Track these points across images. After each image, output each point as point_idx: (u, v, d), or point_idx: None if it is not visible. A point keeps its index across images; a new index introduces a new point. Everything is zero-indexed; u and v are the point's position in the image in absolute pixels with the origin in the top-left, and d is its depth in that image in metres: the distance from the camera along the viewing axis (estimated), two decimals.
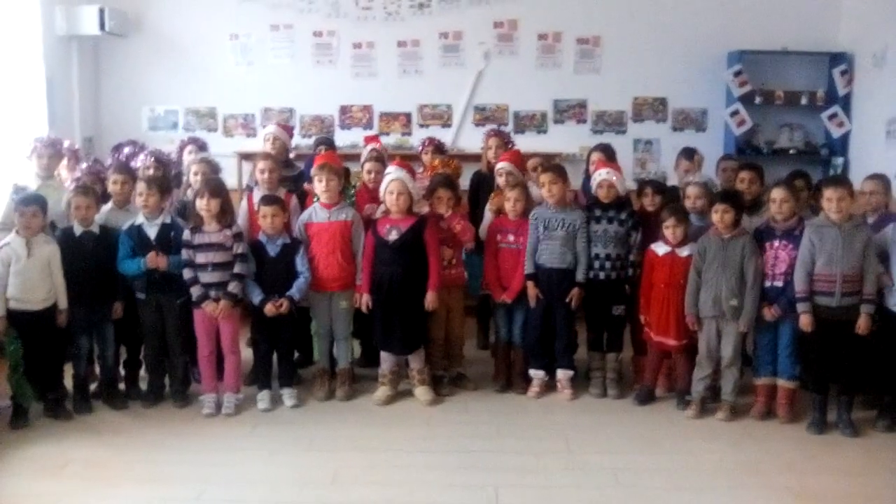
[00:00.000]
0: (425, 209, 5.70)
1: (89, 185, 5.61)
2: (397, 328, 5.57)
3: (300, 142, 8.16)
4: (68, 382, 5.53)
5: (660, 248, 5.52)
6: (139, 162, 6.09)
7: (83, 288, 5.34)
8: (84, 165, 6.07)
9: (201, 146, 6.68)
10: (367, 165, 6.20)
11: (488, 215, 6.02)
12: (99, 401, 5.57)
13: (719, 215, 5.28)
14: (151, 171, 5.86)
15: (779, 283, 5.24)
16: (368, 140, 6.98)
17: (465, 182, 6.70)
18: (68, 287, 5.31)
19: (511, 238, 5.77)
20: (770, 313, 5.24)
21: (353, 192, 6.21)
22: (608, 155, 6.31)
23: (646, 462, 4.72)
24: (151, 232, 5.44)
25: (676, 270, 5.44)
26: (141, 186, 5.47)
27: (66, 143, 6.23)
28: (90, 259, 5.37)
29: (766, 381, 5.37)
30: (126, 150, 6.45)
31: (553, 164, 6.12)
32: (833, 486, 4.43)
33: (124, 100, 8.38)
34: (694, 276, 5.36)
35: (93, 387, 5.68)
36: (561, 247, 5.61)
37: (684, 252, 5.44)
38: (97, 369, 5.73)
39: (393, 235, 5.52)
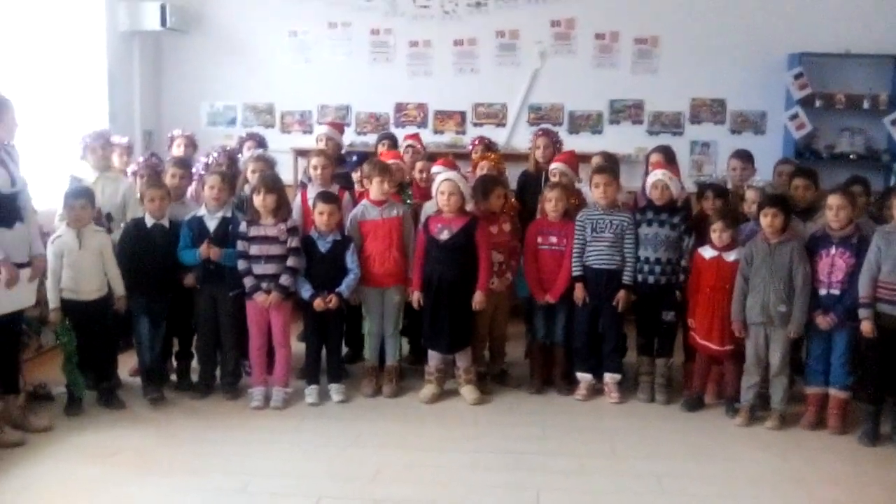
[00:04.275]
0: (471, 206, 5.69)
1: (156, 177, 5.74)
2: (445, 327, 5.57)
3: (355, 139, 8.25)
4: (122, 373, 5.67)
5: (706, 252, 5.46)
6: (210, 157, 6.22)
7: (146, 278, 5.46)
8: (141, 158, 6.20)
9: (260, 142, 6.79)
10: (419, 165, 6.30)
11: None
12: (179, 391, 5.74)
13: (769, 219, 5.18)
14: (224, 168, 5.96)
15: (835, 291, 5.13)
16: (408, 137, 7.03)
17: (512, 181, 6.70)
18: (132, 277, 5.42)
19: (554, 239, 5.72)
20: (826, 321, 5.13)
21: (410, 192, 6.25)
22: (668, 157, 6.26)
23: (691, 469, 4.67)
24: (211, 224, 5.54)
25: (723, 275, 5.37)
26: (214, 180, 5.56)
27: (115, 139, 6.34)
28: (157, 250, 5.49)
29: (818, 390, 5.27)
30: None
31: (607, 166, 6.05)
32: (883, 501, 4.34)
33: (184, 95, 8.55)
34: (741, 282, 5.28)
35: (173, 377, 5.86)
36: (609, 248, 5.58)
37: (731, 256, 5.37)
38: (174, 362, 5.90)
39: (444, 235, 5.53)
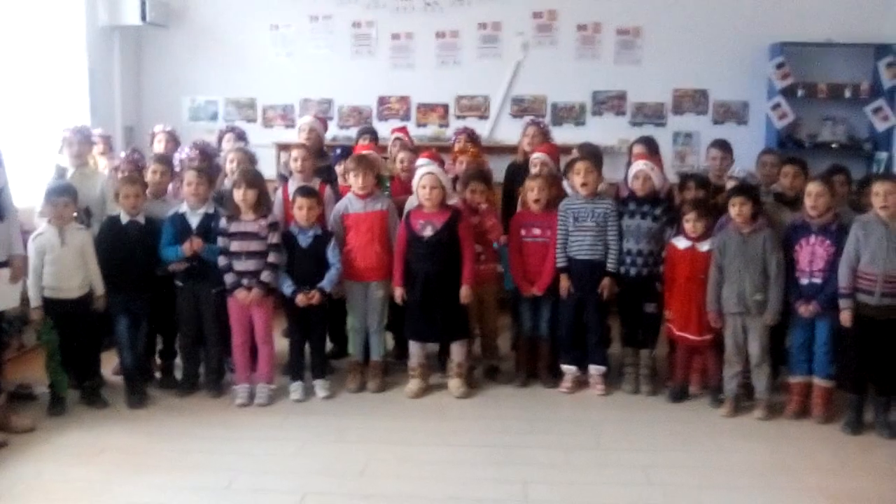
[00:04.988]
0: (454, 200, 5.65)
1: (135, 173, 5.68)
2: (437, 320, 5.53)
3: (338, 133, 8.21)
4: (105, 371, 5.64)
5: (680, 243, 5.46)
6: (183, 153, 6.16)
7: (124, 276, 5.40)
8: (123, 154, 6.15)
9: (240, 135, 6.74)
10: (401, 156, 6.25)
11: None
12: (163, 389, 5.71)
13: (737, 208, 5.19)
14: (197, 162, 5.91)
15: (817, 280, 5.15)
16: (395, 130, 7.00)
17: (499, 174, 6.68)
18: (109, 275, 5.36)
19: (537, 231, 5.70)
20: (808, 310, 5.15)
21: (388, 185, 6.22)
22: (650, 148, 6.24)
23: (676, 459, 4.68)
24: (194, 221, 5.50)
25: (697, 265, 5.36)
26: (191, 176, 5.51)
27: (96, 131, 6.32)
28: (133, 248, 5.43)
29: (802, 379, 5.28)
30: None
31: (586, 154, 6.00)
32: (868, 488, 4.35)
33: (165, 90, 8.51)
34: (714, 273, 5.28)
35: (157, 375, 5.83)
36: (592, 238, 5.57)
37: (704, 247, 5.37)
38: (157, 359, 5.86)
39: (428, 231, 5.48)
